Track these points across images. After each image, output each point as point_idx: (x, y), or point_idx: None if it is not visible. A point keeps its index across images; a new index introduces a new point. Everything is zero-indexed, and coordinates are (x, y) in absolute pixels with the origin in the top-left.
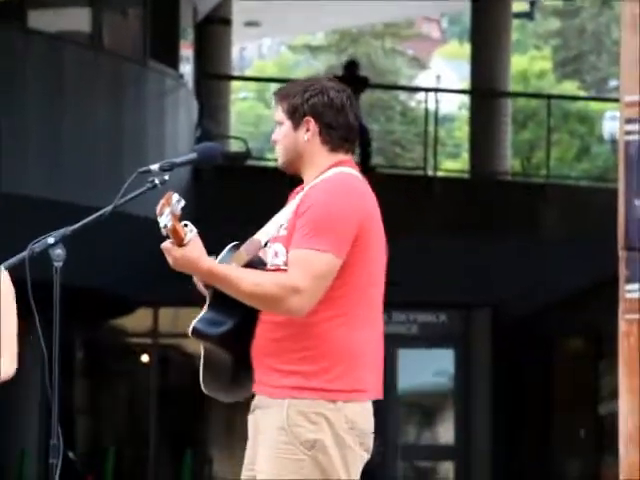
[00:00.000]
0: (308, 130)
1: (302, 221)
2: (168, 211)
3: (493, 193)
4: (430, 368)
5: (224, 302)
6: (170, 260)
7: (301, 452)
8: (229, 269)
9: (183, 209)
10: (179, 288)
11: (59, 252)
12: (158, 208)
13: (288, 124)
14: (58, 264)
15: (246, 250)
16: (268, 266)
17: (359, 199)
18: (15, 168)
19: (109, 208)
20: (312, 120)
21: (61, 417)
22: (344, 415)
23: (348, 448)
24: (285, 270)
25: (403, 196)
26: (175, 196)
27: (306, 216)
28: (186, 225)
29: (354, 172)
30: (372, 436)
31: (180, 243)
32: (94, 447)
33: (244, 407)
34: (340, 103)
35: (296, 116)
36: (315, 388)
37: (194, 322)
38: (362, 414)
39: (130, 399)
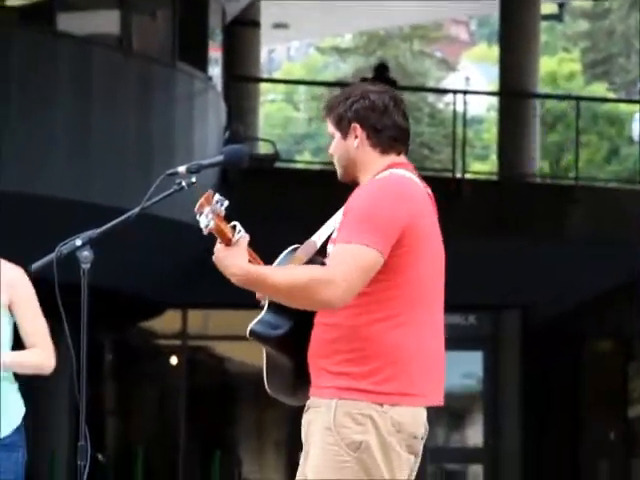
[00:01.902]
0: (356, 137)
1: (346, 218)
2: (208, 210)
3: (522, 195)
4: (459, 370)
5: (282, 304)
6: (215, 260)
7: (346, 453)
8: (263, 269)
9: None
10: (208, 290)
11: (86, 254)
12: (197, 207)
13: (338, 135)
14: (86, 266)
15: (303, 252)
16: None
17: (405, 199)
18: (44, 170)
19: (136, 210)
20: (358, 126)
21: (91, 419)
22: (390, 417)
23: (393, 451)
24: None
25: None
26: (216, 196)
27: (350, 213)
28: (234, 227)
29: (407, 174)
30: (422, 440)
31: (228, 244)
32: (124, 448)
33: (272, 409)
34: (382, 104)
35: (343, 125)
36: (363, 390)
37: (252, 324)
38: (410, 417)
39: (159, 401)
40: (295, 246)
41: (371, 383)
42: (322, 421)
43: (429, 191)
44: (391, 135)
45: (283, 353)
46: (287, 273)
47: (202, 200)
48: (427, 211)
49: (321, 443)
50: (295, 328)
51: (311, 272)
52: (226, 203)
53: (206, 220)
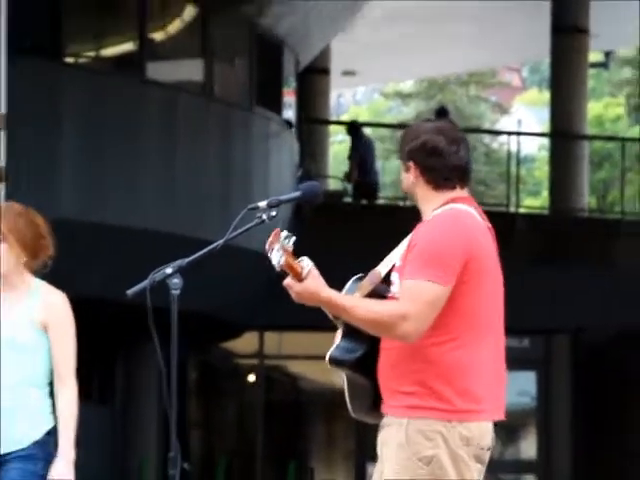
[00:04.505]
0: (413, 173)
1: (411, 255)
2: (277, 247)
3: (571, 228)
4: (514, 389)
5: (355, 331)
6: (293, 295)
7: (419, 467)
8: (346, 298)
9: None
10: (282, 314)
11: (176, 281)
12: (267, 246)
13: (403, 168)
14: (176, 292)
15: (368, 281)
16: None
17: (466, 234)
18: (136, 205)
19: (221, 241)
20: (412, 164)
21: (177, 431)
22: (458, 432)
23: (462, 462)
24: (398, 298)
25: None
26: (284, 233)
27: (415, 250)
28: (302, 260)
29: (465, 208)
30: (488, 452)
31: (299, 278)
32: (207, 458)
33: (341, 423)
34: (432, 146)
35: (404, 162)
36: (430, 407)
37: (331, 351)
38: (477, 431)
39: (238, 415)
40: (360, 275)
41: (437, 401)
42: (395, 439)
43: (489, 224)
44: (442, 175)
45: (360, 374)
46: (368, 307)
47: (271, 238)
48: (486, 243)
49: (396, 459)
50: (369, 351)
51: (389, 308)
52: (293, 239)
53: (277, 256)
